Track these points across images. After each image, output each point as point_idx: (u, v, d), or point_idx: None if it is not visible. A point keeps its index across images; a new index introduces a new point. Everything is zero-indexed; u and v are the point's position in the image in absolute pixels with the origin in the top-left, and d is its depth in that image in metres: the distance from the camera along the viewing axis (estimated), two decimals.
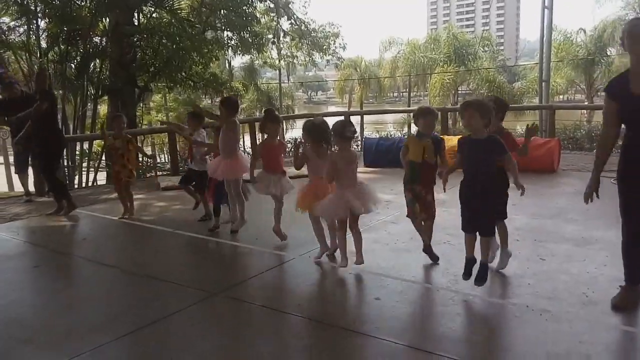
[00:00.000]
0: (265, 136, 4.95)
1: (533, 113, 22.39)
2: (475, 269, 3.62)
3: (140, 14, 13.27)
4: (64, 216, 6.45)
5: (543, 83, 13.06)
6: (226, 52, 16.98)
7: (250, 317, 3.50)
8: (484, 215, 3.58)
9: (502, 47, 76.87)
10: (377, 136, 16.54)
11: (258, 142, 5.83)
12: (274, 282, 4.18)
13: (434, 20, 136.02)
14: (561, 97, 39.26)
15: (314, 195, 4.27)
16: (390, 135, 20.05)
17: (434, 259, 4.26)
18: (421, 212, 4.21)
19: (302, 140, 4.46)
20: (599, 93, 33.16)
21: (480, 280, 3.60)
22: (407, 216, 4.30)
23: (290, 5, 16.86)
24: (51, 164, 6.64)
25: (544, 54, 12.83)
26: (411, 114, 5.38)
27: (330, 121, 4.43)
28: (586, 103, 28.61)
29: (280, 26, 17.99)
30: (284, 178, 4.82)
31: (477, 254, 3.63)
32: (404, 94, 51.57)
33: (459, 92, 34.87)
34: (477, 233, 3.63)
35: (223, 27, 14.65)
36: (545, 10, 12.19)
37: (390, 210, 5.70)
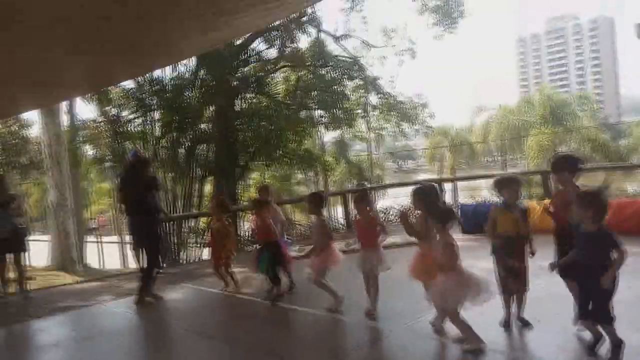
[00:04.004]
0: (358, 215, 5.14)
1: None
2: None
3: (242, 100, 14.40)
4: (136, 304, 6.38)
5: None
6: (318, 128, 17.75)
7: None
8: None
9: (602, 105, 73.17)
10: (474, 202, 16.04)
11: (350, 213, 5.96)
12: (376, 356, 4.11)
13: (525, 84, 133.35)
14: None
15: (424, 263, 4.30)
16: (486, 201, 19.36)
17: (527, 324, 4.14)
18: (515, 284, 4.07)
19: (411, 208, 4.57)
20: None
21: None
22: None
23: (378, 81, 17.46)
24: (158, 243, 6.88)
25: None
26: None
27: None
28: None
29: (369, 101, 18.59)
30: (376, 253, 4.87)
31: None
32: (497, 157, 50.17)
33: (559, 153, 33.25)
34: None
35: (315, 106, 15.44)
36: None
37: None
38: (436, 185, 4.59)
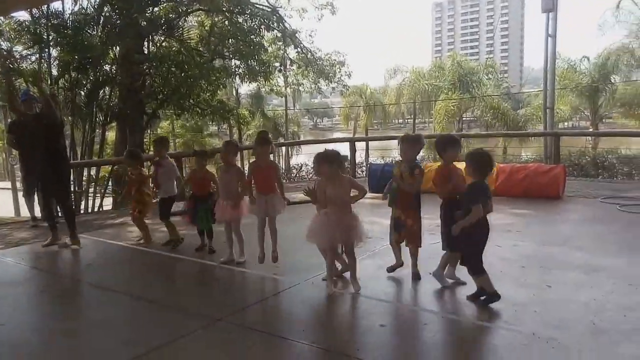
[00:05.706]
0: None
1: (538, 139, 22.45)
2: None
3: (150, 43, 13.53)
4: (53, 245, 6.18)
5: (547, 110, 13.12)
6: (234, 79, 17.20)
7: (254, 343, 3.48)
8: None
9: (506, 75, 77.64)
10: (383, 162, 16.55)
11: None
12: (278, 308, 4.17)
13: (439, 49, 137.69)
14: (566, 123, 39.38)
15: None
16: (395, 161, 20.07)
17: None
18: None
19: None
20: (603, 120, 33.30)
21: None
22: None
23: (297, 35, 17.09)
24: (66, 188, 6.48)
25: (548, 81, 12.94)
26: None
27: (335, 147, 4.52)
28: (591, 130, 28.67)
29: (287, 55, 18.23)
30: (275, 197, 4.87)
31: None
32: (408, 120, 51.91)
33: (464, 118, 35.06)
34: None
35: (231, 56, 14.89)
36: (549, 38, 12.35)
37: None
38: (339, 151, 4.56)
